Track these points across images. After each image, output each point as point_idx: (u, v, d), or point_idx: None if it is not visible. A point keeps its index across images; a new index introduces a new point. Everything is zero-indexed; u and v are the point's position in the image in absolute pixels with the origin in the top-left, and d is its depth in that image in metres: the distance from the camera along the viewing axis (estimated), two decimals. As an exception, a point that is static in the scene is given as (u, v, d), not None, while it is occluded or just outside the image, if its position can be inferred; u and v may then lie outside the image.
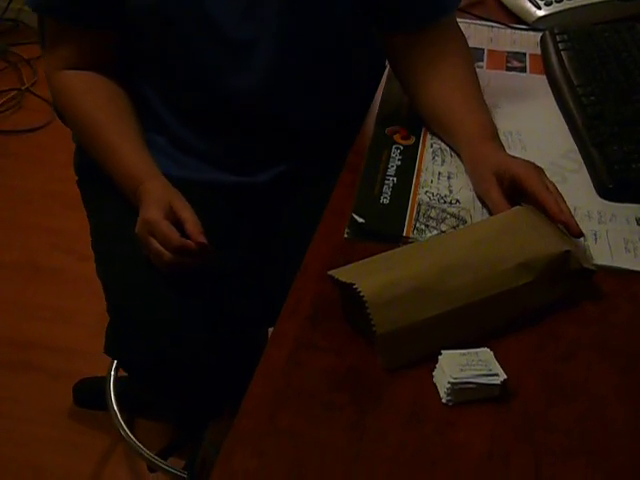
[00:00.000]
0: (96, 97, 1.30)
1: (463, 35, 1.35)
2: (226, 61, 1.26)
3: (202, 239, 1.13)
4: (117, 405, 1.79)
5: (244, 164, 1.36)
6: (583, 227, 1.07)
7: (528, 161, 1.12)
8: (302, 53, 1.28)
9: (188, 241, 1.13)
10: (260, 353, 1.43)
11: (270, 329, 1.51)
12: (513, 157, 1.14)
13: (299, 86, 1.32)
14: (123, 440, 1.78)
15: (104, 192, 1.36)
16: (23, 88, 3.16)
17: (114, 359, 1.30)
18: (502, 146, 1.19)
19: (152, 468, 1.79)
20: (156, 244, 1.15)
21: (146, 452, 1.75)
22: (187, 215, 1.16)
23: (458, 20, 1.55)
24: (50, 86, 1.34)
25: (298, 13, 1.23)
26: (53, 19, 1.29)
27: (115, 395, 1.79)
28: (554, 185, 1.07)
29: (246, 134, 1.34)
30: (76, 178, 1.48)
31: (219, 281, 1.29)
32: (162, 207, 1.16)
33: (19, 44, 3.32)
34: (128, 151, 1.26)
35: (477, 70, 1.42)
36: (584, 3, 1.59)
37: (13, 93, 3.14)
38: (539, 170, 1.10)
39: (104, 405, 1.80)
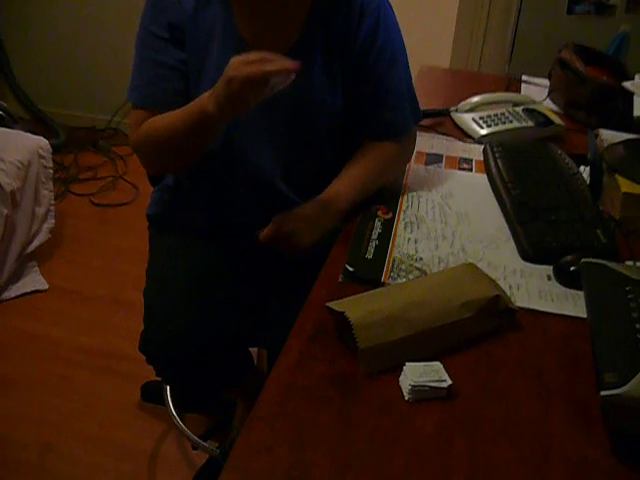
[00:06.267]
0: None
1: (405, 147, 1.35)
2: (248, 154, 1.28)
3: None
4: (172, 401, 1.77)
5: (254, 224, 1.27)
6: (510, 280, 1.08)
7: (287, 220, 1.17)
8: (303, 141, 1.29)
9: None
10: (245, 365, 1.45)
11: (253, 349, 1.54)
12: (293, 213, 1.19)
13: (300, 174, 1.32)
14: (174, 426, 1.76)
15: (164, 237, 1.37)
16: (118, 176, 3.19)
17: (144, 354, 1.30)
18: (316, 216, 1.20)
19: (195, 447, 1.76)
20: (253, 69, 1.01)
21: (191, 435, 1.73)
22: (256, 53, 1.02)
23: (425, 134, 1.59)
24: (137, 141, 1.24)
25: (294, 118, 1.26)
26: (144, 109, 1.24)
27: (170, 394, 1.77)
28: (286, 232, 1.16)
29: (256, 202, 1.34)
30: (147, 224, 1.48)
31: (224, 308, 1.29)
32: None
33: (117, 145, 3.36)
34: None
35: (437, 169, 1.44)
36: (513, 127, 1.61)
37: (111, 179, 3.17)
38: (283, 224, 1.16)
39: (162, 401, 1.78)
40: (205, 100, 1.11)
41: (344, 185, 1.24)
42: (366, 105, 1.29)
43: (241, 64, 1.02)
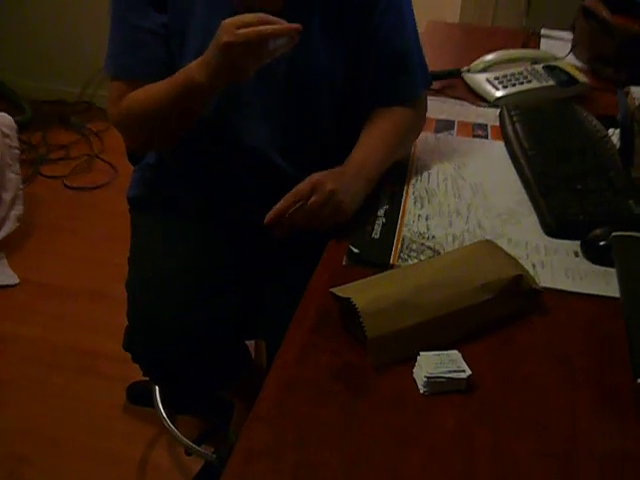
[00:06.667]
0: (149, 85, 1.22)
1: (418, 114, 1.35)
2: (241, 126, 1.28)
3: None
4: (161, 403, 1.78)
5: (250, 204, 1.34)
6: (533, 258, 1.08)
7: (326, 178, 1.12)
8: (301, 109, 1.29)
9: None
10: (242, 360, 1.45)
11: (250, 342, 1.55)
12: (331, 172, 1.14)
13: (299, 147, 1.32)
14: (165, 430, 1.77)
15: (147, 220, 1.37)
16: (93, 155, 3.19)
17: (129, 352, 1.31)
18: (353, 177, 1.17)
19: (188, 452, 1.78)
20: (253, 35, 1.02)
21: (184, 440, 1.74)
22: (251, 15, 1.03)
23: (435, 98, 1.58)
24: (118, 116, 1.26)
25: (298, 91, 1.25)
26: (124, 81, 1.24)
27: (160, 395, 1.78)
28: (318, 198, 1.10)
29: (252, 180, 1.34)
30: (128, 207, 1.48)
31: (217, 299, 1.29)
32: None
33: (91, 121, 3.36)
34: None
35: (449, 137, 1.44)
36: (532, 87, 1.61)
37: (85, 158, 3.17)
38: (321, 182, 1.11)
39: (151, 402, 1.79)
40: (193, 70, 1.11)
41: (366, 154, 1.23)
42: (372, 70, 1.29)
43: (234, 27, 1.02)
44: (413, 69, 1.32)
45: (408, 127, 1.33)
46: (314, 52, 1.24)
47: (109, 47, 1.26)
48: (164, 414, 1.76)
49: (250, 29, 1.02)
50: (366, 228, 1.14)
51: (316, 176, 1.13)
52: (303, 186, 1.12)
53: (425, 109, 1.39)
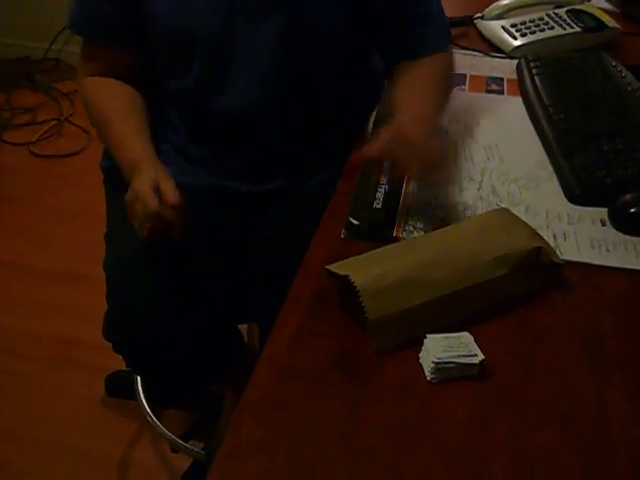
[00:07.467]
0: (112, 95, 1.33)
1: (448, 62, 1.36)
2: (226, 89, 1.28)
3: (175, 200, 1.10)
4: (144, 395, 1.79)
5: (239, 175, 1.35)
6: (554, 228, 1.08)
7: (410, 127, 1.09)
8: (297, 72, 1.28)
9: (165, 209, 1.11)
10: (234, 347, 1.45)
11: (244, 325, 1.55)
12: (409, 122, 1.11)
13: (289, 114, 1.31)
14: (149, 425, 1.79)
15: (123, 192, 1.37)
16: (62, 118, 3.18)
17: (109, 341, 1.32)
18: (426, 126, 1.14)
19: (175, 449, 1.79)
20: (139, 210, 1.13)
21: (170, 436, 1.75)
22: (167, 185, 1.13)
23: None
24: (79, 88, 1.39)
25: (294, 35, 1.24)
26: (87, 40, 1.35)
27: (142, 386, 1.79)
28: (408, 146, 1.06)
29: (243, 148, 1.34)
30: (102, 177, 1.49)
31: (205, 279, 1.31)
32: (149, 179, 1.15)
33: (59, 80, 3.35)
34: (131, 139, 1.27)
35: (459, 93, 1.44)
36: (554, 35, 1.60)
37: (54, 123, 3.16)
38: (405, 133, 1.07)
39: (132, 395, 1.80)
40: (134, 161, 1.21)
41: (420, 106, 1.19)
42: (391, 22, 1.29)
43: (137, 203, 1.13)
44: (433, 15, 1.32)
45: (448, 73, 1.34)
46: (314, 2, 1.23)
47: (73, 3, 1.31)
48: (147, 408, 1.77)
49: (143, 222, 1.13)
50: (367, 197, 1.14)
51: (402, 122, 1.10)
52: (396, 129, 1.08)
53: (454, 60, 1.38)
